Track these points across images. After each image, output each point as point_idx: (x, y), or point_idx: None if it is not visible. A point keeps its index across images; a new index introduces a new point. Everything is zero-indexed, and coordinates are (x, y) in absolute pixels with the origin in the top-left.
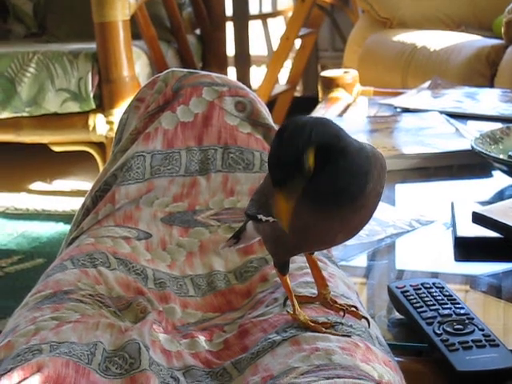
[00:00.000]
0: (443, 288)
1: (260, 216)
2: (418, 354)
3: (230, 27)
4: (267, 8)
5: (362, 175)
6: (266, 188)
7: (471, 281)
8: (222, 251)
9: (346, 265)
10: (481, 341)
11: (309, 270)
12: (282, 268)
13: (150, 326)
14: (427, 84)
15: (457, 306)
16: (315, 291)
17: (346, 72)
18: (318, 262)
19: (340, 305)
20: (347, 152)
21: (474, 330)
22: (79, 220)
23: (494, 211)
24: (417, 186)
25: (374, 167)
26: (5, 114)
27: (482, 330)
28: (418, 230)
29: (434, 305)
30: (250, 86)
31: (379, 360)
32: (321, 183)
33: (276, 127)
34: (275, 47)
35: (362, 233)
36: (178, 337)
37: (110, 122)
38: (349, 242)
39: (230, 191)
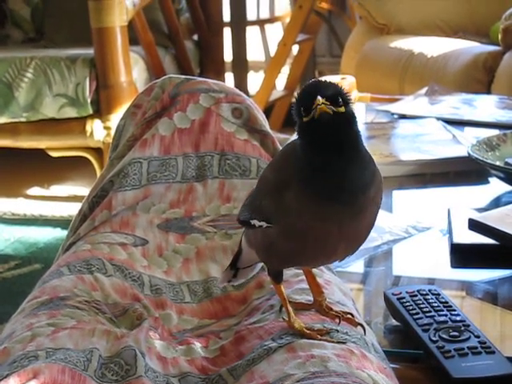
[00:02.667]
0: (439, 295)
1: (253, 221)
2: (414, 360)
3: (227, 33)
4: (265, 14)
5: (367, 178)
6: (260, 191)
7: (467, 287)
8: (218, 258)
9: (342, 271)
10: (476, 348)
11: (304, 277)
12: (276, 276)
13: (146, 333)
14: (424, 90)
15: (453, 312)
16: (311, 298)
17: (343, 78)
18: (313, 269)
19: (336, 312)
20: (361, 151)
21: (469, 337)
22: (76, 226)
23: (491, 218)
24: (413, 193)
25: (377, 177)
26: (2, 119)
27: (478, 336)
28: (414, 237)
29: (429, 311)
30: (247, 92)
31: (374, 367)
32: (328, 174)
33: (272, 134)
34: (273, 53)
35: None
36: (174, 343)
37: (107, 128)
38: None
39: (226, 198)
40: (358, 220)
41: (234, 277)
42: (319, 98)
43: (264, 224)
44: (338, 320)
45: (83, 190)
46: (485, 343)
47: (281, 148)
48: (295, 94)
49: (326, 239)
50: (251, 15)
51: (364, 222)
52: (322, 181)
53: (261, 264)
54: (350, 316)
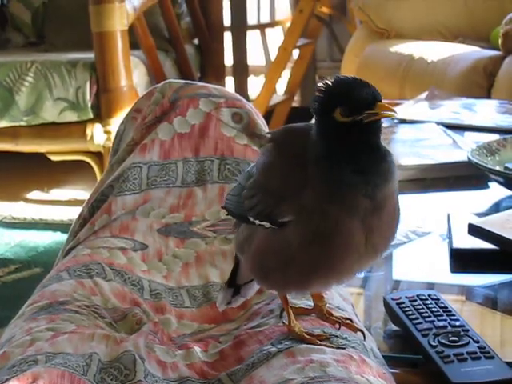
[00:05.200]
0: (439, 300)
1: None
2: (413, 365)
3: (228, 37)
4: (265, 18)
5: (388, 174)
6: (264, 191)
7: (467, 292)
8: (218, 262)
9: None
10: (476, 353)
11: None
12: None
13: (145, 337)
14: (424, 95)
15: (452, 317)
16: (311, 303)
17: None
18: None
19: (336, 317)
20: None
21: (469, 342)
22: (76, 230)
23: (490, 223)
24: (413, 198)
25: (395, 172)
26: (3, 123)
27: (477, 341)
28: (414, 242)
29: (429, 316)
30: (247, 97)
31: (374, 372)
32: (355, 170)
33: None
34: (273, 57)
35: None
36: (173, 348)
37: (107, 132)
38: None
39: None
40: (380, 214)
41: (233, 296)
42: (383, 102)
43: (267, 224)
44: (337, 325)
45: (83, 194)
46: (484, 348)
47: None
48: (322, 87)
49: (351, 236)
50: (252, 19)
51: (387, 218)
52: (348, 176)
53: None
54: (349, 322)
